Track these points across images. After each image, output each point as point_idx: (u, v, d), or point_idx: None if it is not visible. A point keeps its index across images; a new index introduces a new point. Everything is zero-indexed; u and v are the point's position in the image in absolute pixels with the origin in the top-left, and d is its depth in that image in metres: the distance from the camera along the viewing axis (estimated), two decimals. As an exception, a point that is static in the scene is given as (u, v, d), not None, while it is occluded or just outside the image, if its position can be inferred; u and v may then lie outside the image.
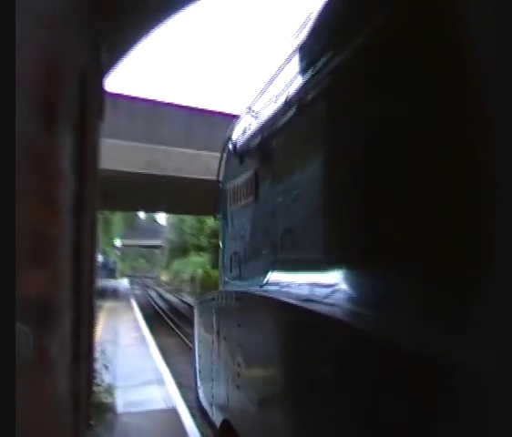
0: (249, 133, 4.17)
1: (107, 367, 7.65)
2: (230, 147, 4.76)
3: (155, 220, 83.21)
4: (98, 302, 11.27)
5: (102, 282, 38.13)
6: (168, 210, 47.31)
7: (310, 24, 3.19)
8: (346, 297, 2.19)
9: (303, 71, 3.10)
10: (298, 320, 2.50)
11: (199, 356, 5.32)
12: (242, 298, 3.67)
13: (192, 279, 41.33)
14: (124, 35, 6.68)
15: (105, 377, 7.39)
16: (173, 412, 6.82)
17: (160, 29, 7.15)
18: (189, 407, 7.04)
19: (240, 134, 4.59)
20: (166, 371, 9.47)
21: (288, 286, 2.99)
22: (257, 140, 3.88)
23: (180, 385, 8.66)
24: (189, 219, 50.95)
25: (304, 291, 2.64)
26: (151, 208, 43.48)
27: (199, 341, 5.36)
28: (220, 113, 21.15)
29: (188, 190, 22.68)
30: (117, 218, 59.13)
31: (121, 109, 19.21)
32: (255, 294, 3.49)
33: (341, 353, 1.99)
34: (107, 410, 6.56)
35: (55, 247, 2.17)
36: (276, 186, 3.41)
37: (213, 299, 4.68)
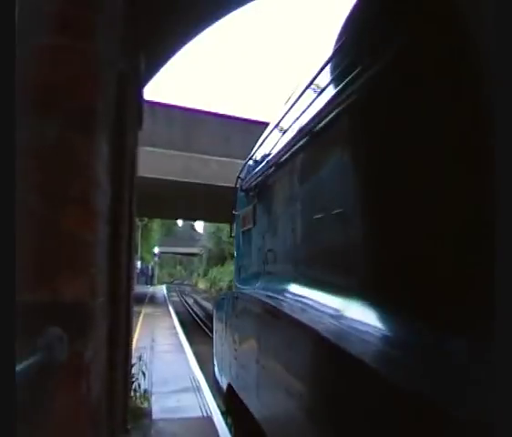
0: (251, 175, 5.51)
1: (143, 373, 7.71)
2: (239, 183, 6.27)
3: (193, 228, 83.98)
4: (136, 308, 11.41)
5: (140, 289, 38.66)
6: (205, 218, 47.71)
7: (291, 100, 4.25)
8: (292, 295, 3.58)
9: (284, 132, 4.26)
10: (264, 310, 3.98)
11: (215, 342, 6.98)
12: (238, 297, 5.23)
13: (230, 288, 41.45)
14: (162, 43, 6.76)
15: (141, 383, 7.45)
16: (208, 421, 6.82)
17: (200, 37, 7.22)
18: (226, 417, 7.04)
19: (246, 174, 6.06)
20: (202, 379, 9.48)
21: (267, 289, 4.39)
22: (255, 182, 5.22)
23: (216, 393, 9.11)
24: (227, 228, 51.17)
25: (273, 292, 4.09)
26: (189, 215, 43.93)
27: (216, 331, 6.98)
28: (256, 121, 21.18)
29: (224, 199, 22.79)
30: (156, 226, 59.96)
31: (159, 117, 19.49)
32: (245, 294, 5.03)
33: (270, 322, 3.71)
34: (143, 415, 6.61)
35: (91, 253, 2.19)
36: (265, 218, 4.86)
37: (223, 299, 6.57)
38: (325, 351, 2.57)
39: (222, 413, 7.01)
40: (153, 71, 7.50)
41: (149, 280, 57.88)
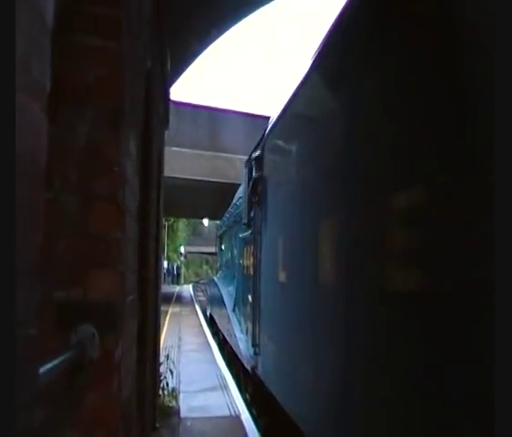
0: (218, 231, 19.32)
1: (171, 371, 7.75)
2: (216, 232, 20.13)
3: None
4: (163, 307, 11.48)
5: (166, 288, 38.94)
6: (230, 218, 47.66)
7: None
8: (222, 279, 15.35)
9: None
10: (213, 283, 19.10)
11: (207, 299, 22.78)
12: (210, 279, 23.00)
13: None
14: (187, 44, 6.79)
15: (169, 381, 7.49)
16: (237, 420, 6.81)
17: (225, 36, 7.23)
18: (254, 416, 7.03)
19: (218, 228, 21.11)
20: (229, 378, 9.49)
21: (221, 277, 16.19)
22: (217, 234, 19.78)
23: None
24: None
25: (219, 278, 17.10)
26: (215, 215, 44.06)
27: (207, 293, 23.62)
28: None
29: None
30: (182, 226, 60.29)
31: (185, 117, 19.55)
32: (212, 279, 20.68)
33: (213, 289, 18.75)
34: (171, 413, 6.65)
35: (120, 250, 2.20)
36: (221, 248, 17.53)
37: (208, 280, 28.62)
38: (220, 297, 13.90)
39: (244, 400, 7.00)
40: (178, 71, 7.54)
41: (176, 280, 58.28)
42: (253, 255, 6.44)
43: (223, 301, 12.58)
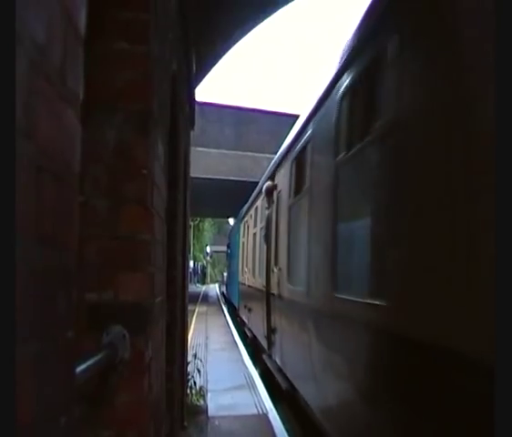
0: (227, 248, 33.69)
1: (199, 370, 7.80)
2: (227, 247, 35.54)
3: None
4: (189, 307, 11.57)
5: (193, 288, 39.54)
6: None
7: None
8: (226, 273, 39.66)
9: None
10: (223, 276, 51.13)
11: (222, 284, 47.86)
12: (223, 274, 50.33)
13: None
14: (211, 44, 6.82)
15: (197, 380, 7.54)
16: (264, 418, 6.82)
17: (251, 34, 7.24)
18: (281, 414, 7.03)
19: (226, 246, 35.82)
20: (256, 376, 9.50)
21: (226, 272, 37.92)
22: (226, 249, 36.28)
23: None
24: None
25: (227, 273, 36.40)
26: (240, 214, 44.40)
27: (223, 281, 45.55)
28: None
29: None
30: (207, 225, 60.62)
31: (210, 118, 19.64)
32: (223, 273, 50.31)
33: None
34: (199, 412, 6.69)
35: (150, 252, 2.23)
36: (229, 255, 30.40)
37: (223, 274, 51.41)
38: (225, 280, 40.33)
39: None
40: (203, 72, 7.59)
41: (201, 279, 58.68)
42: (228, 262, 31.03)
43: (225, 281, 37.95)
